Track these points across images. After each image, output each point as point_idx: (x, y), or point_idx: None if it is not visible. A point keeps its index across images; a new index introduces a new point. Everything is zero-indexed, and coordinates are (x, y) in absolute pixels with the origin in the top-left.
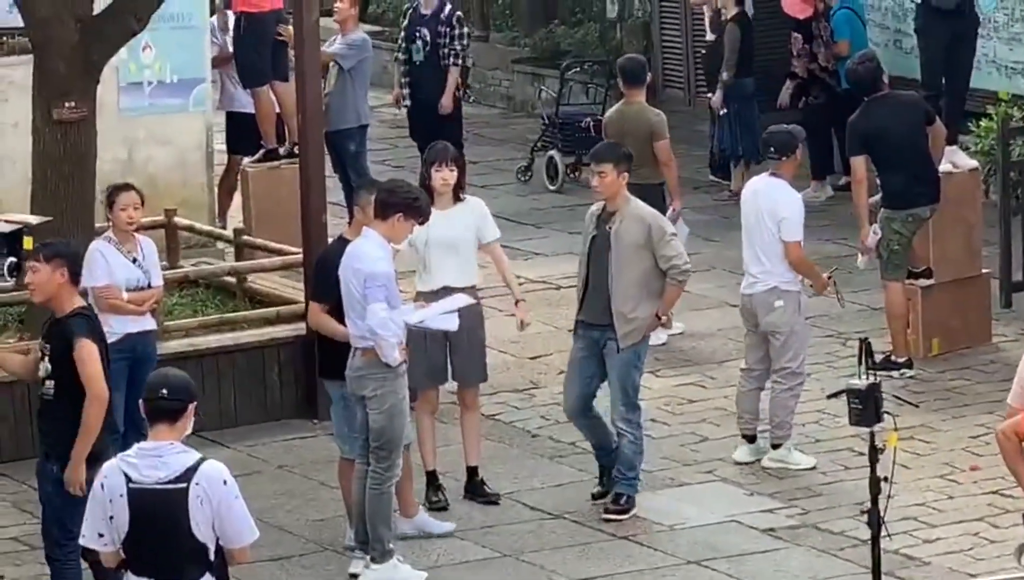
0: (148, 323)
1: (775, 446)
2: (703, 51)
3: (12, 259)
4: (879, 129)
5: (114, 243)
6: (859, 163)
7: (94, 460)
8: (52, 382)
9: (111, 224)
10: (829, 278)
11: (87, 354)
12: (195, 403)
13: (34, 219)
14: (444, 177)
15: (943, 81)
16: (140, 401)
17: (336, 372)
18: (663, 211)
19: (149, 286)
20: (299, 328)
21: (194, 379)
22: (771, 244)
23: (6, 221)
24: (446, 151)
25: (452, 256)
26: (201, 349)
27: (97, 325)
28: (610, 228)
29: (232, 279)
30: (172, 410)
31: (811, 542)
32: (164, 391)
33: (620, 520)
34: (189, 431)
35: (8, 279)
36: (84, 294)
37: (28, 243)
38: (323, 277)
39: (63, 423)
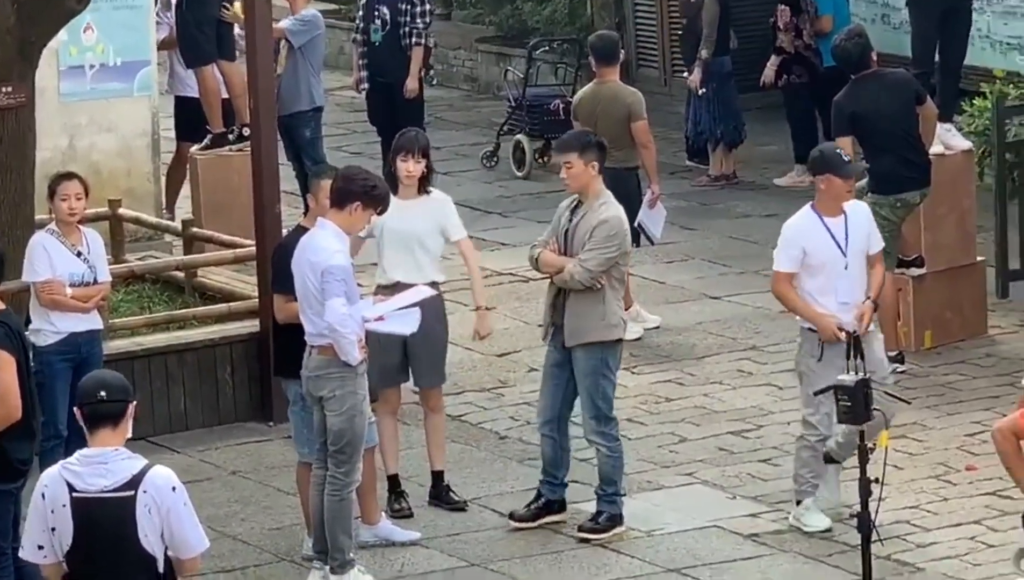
0: (94, 322)
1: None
2: (680, 32)
3: None
4: (866, 109)
5: (57, 236)
6: (845, 144)
7: (14, 472)
8: None
9: (53, 216)
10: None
11: None
12: (135, 403)
13: None
14: (409, 169)
15: (936, 57)
16: (76, 408)
17: (294, 370)
18: (638, 197)
19: (95, 282)
20: (252, 325)
21: (142, 380)
22: None
23: None
24: (416, 141)
25: (403, 251)
26: (148, 348)
27: (13, 332)
28: (572, 221)
29: (181, 274)
30: (114, 413)
31: (797, 548)
32: (103, 393)
33: (598, 539)
34: (130, 434)
35: None
36: (27, 290)
37: None
38: (284, 267)
39: None
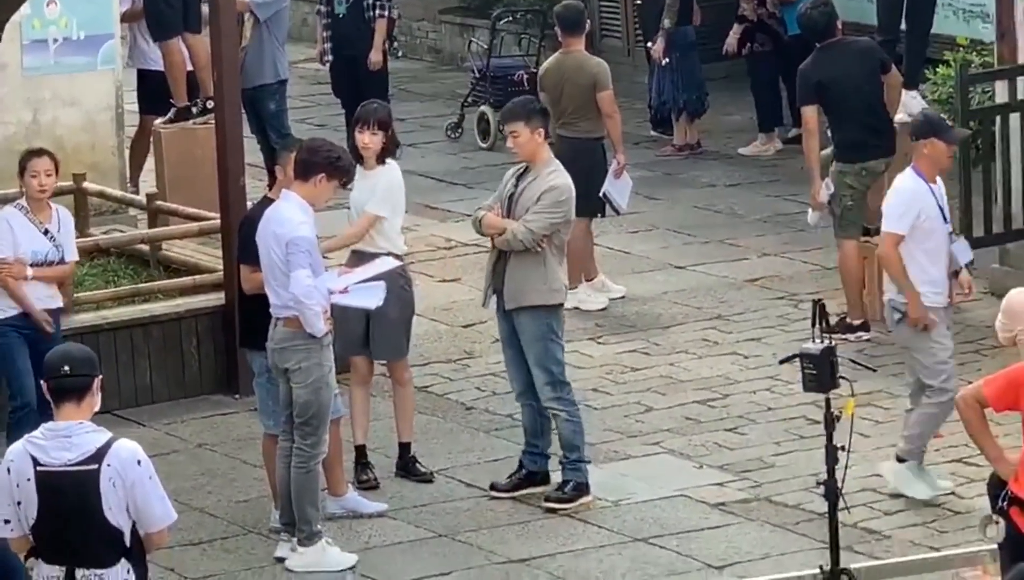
0: (53, 301)
1: (900, 459)
2: (642, 2)
3: None
4: (831, 77)
5: (25, 212)
6: (810, 112)
7: None
8: None
9: (24, 192)
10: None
11: None
12: (100, 377)
13: None
14: (365, 141)
15: (903, 24)
16: (42, 382)
17: (259, 341)
18: (603, 168)
19: (61, 261)
20: (217, 298)
21: (107, 354)
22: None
23: None
24: (373, 113)
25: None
26: (114, 322)
27: None
28: (518, 187)
29: (146, 247)
30: (77, 387)
31: (764, 516)
32: (66, 367)
33: (564, 509)
34: (98, 407)
35: None
36: None
37: None
38: (250, 239)
39: None
